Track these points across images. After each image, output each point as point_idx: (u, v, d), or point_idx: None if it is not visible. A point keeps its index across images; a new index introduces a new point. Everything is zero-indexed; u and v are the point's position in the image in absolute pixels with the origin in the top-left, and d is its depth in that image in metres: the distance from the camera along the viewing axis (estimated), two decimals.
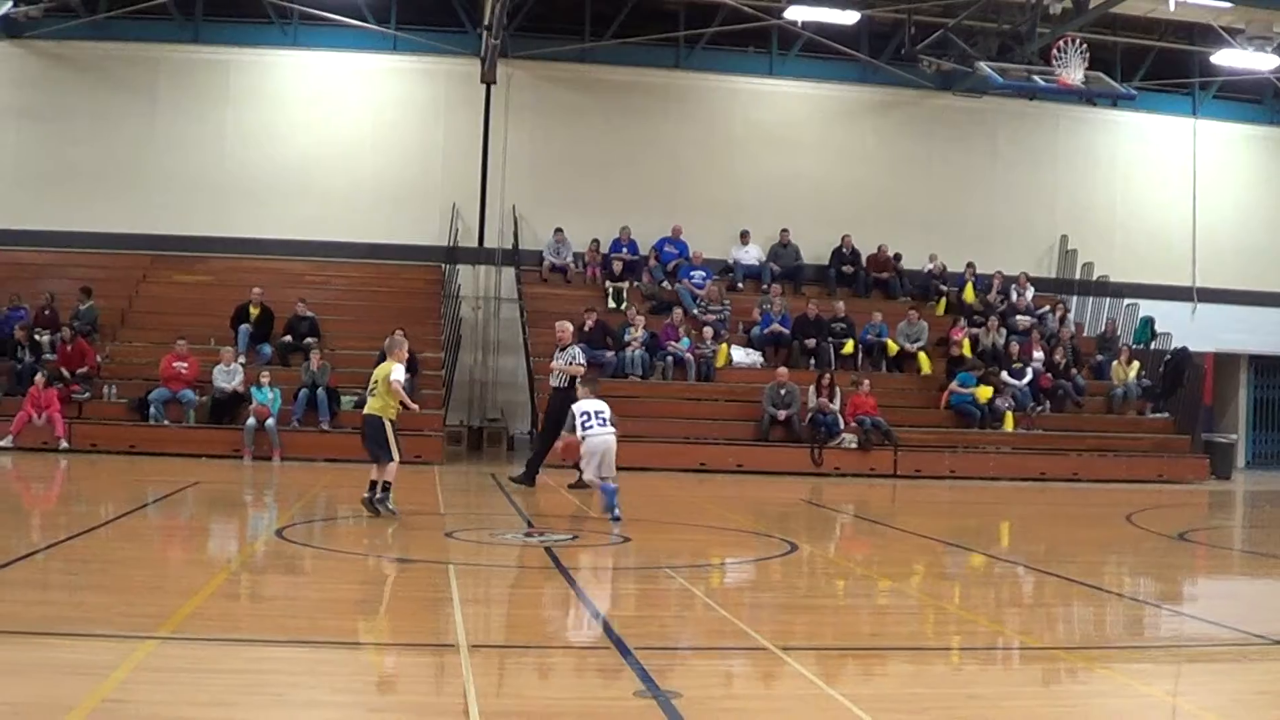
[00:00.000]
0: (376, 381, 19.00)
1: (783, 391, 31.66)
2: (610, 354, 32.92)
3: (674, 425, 31.70)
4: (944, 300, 37.44)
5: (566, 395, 23.23)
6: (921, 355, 34.89)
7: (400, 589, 13.23)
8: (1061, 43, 33.18)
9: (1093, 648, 10.81)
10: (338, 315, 34.89)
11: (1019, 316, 36.50)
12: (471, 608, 11.71)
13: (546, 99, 38.61)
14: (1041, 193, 40.22)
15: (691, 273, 36.56)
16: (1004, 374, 33.64)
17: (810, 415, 31.43)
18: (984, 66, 34.10)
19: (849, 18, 35.58)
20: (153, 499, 21.07)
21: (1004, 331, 35.44)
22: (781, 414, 31.47)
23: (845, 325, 34.95)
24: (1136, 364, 35.26)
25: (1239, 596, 14.73)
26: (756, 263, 38.13)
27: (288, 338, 33.03)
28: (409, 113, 38.52)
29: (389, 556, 15.35)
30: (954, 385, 33.20)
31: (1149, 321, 37.82)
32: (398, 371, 19.00)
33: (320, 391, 30.43)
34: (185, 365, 31.02)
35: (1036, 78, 33.88)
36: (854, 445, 31.21)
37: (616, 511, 18.45)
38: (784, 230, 38.11)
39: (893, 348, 34.90)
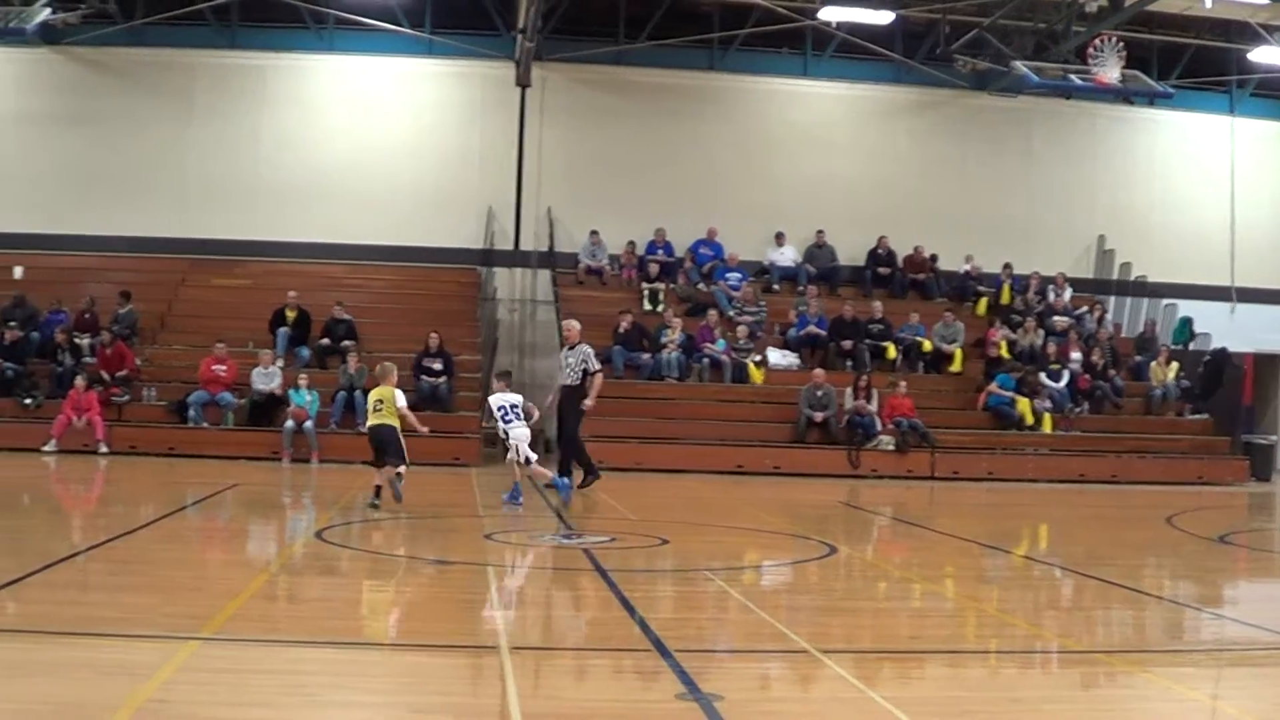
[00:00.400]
0: (383, 401, 20.32)
1: (819, 393, 31.61)
2: (646, 356, 32.93)
3: (710, 427, 31.64)
4: (984, 301, 37.23)
5: (577, 392, 23.37)
6: (957, 354, 34.76)
7: (440, 590, 13.26)
8: (1098, 41, 33.10)
9: (1133, 651, 10.78)
10: (375, 318, 34.94)
11: (1056, 317, 36.30)
12: (512, 610, 11.75)
13: (581, 101, 38.62)
14: (1078, 192, 39.95)
15: (727, 274, 36.52)
16: (1042, 375, 33.49)
17: (847, 417, 31.35)
18: (1020, 66, 34.03)
19: (883, 17, 35.49)
20: (192, 501, 21.16)
21: (1041, 332, 35.27)
22: (818, 416, 31.41)
23: (883, 327, 34.86)
24: (1175, 364, 35.06)
25: None
26: (792, 264, 38.06)
27: (325, 340, 33.12)
28: (445, 116, 38.56)
29: (428, 558, 15.40)
30: (992, 386, 33.06)
31: (1188, 321, 37.71)
32: (401, 397, 20.74)
33: (358, 394, 30.39)
34: (224, 368, 31.12)
35: (1073, 76, 33.80)
36: (891, 447, 31.11)
37: (521, 499, 20.94)
38: (819, 231, 38.04)
39: (926, 346, 34.76)
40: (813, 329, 34.61)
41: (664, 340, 33.18)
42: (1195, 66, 39.65)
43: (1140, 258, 39.05)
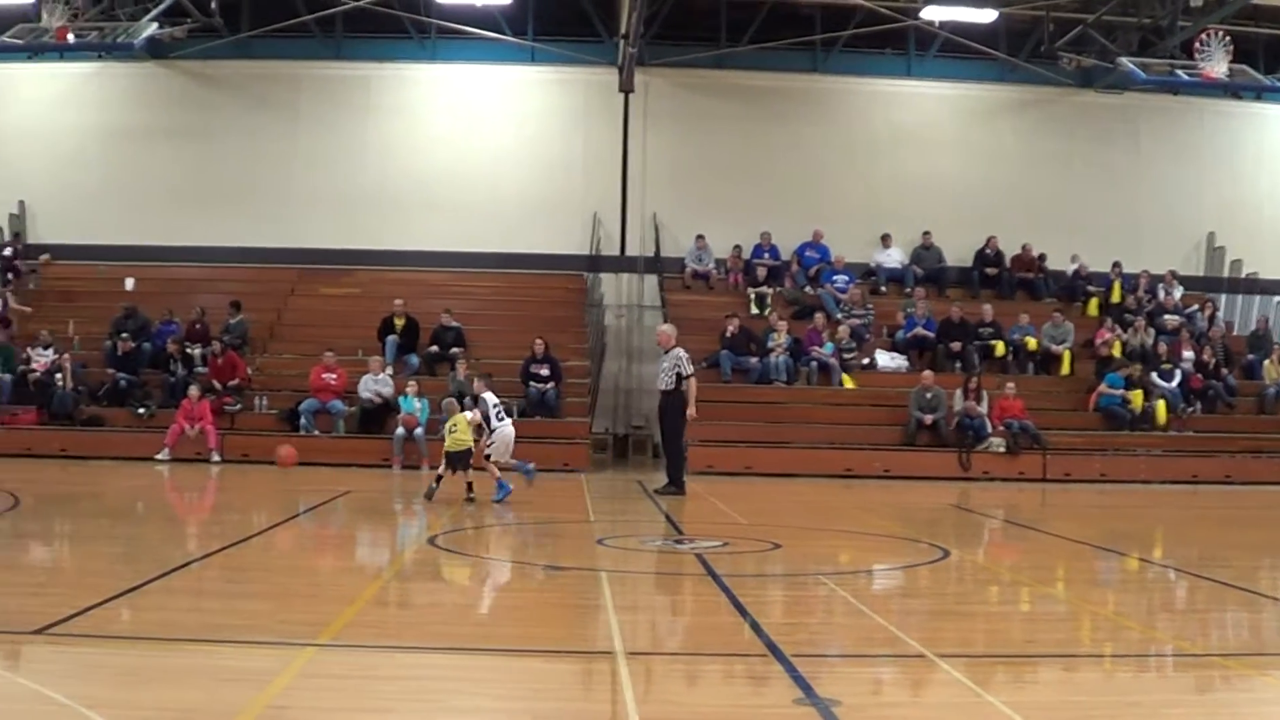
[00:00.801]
0: (456, 425, 22.24)
1: (929, 395, 31.48)
2: (754, 360, 32.91)
3: (819, 431, 31.58)
4: (1094, 301, 36.90)
5: (670, 397, 23.41)
6: (1065, 355, 34.50)
7: (554, 596, 13.29)
8: (1204, 35, 32.84)
9: (1251, 654, 10.62)
10: (482, 325, 35.11)
11: (1167, 316, 35.97)
12: (626, 614, 11.76)
13: (684, 106, 38.69)
14: (1187, 189, 39.54)
15: (834, 277, 36.46)
16: (1154, 375, 33.19)
17: (957, 419, 31.21)
18: (1125, 62, 33.79)
19: (986, 16, 35.36)
20: (305, 508, 21.32)
21: (1152, 332, 34.96)
22: (928, 418, 31.28)
23: (994, 329, 34.65)
24: None
25: None
26: (899, 266, 37.97)
27: (434, 348, 33.31)
28: (548, 123, 38.72)
29: (541, 563, 15.46)
30: (1102, 387, 32.81)
31: None
32: (471, 415, 22.83)
33: (467, 400, 30.61)
34: (334, 376, 31.37)
35: (1179, 72, 33.54)
36: (1002, 449, 30.93)
37: (514, 486, 22.09)
38: (926, 232, 37.93)
39: (1032, 344, 34.49)
40: (920, 331, 34.50)
41: (771, 344, 33.13)
42: None
43: (1250, 254, 38.72)
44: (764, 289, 36.43)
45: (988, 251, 37.83)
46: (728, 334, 33.12)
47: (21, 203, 37.94)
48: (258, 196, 37.60)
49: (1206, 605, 13.51)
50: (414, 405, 30.30)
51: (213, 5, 34.26)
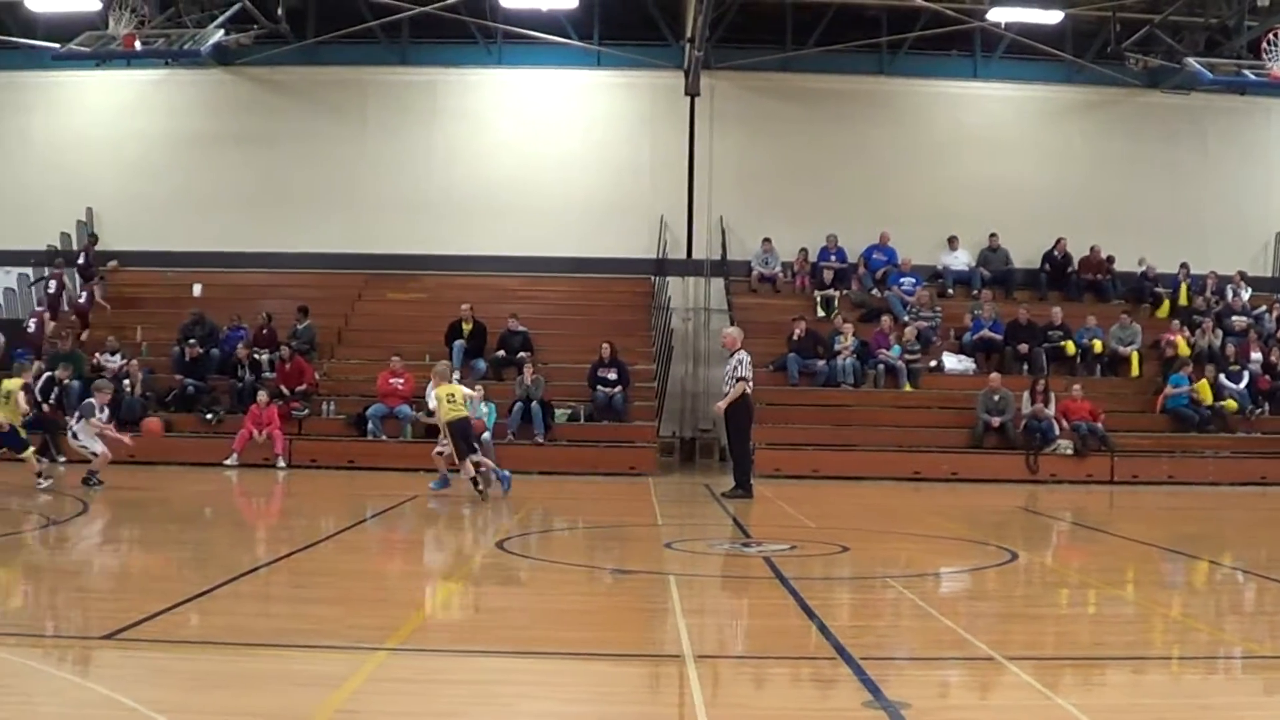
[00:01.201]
0: (454, 395, 23.45)
1: (996, 398, 31.36)
2: (821, 363, 32.87)
3: (886, 433, 31.54)
4: (1166, 304, 36.66)
5: (739, 401, 23.39)
6: (1133, 357, 34.30)
7: (622, 599, 13.30)
8: (1271, 35, 32.57)
9: None
10: (549, 329, 35.20)
11: (1235, 317, 35.73)
12: (694, 618, 11.75)
13: (750, 109, 38.65)
14: (1254, 189, 39.21)
15: (901, 279, 36.37)
16: (1221, 376, 32.96)
17: (1025, 421, 31.07)
18: (1192, 62, 33.58)
19: (1052, 17, 35.21)
20: (373, 513, 21.40)
21: (1220, 333, 34.72)
22: (995, 421, 31.16)
23: (1062, 331, 34.46)
24: None
25: None
26: (966, 268, 37.84)
27: (501, 352, 33.36)
28: (614, 127, 38.77)
29: (609, 567, 15.47)
30: (1169, 388, 32.61)
31: None
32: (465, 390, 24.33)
33: (535, 405, 30.71)
34: (401, 381, 31.47)
35: (1246, 72, 33.29)
36: (1070, 451, 30.79)
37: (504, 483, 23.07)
38: (993, 234, 37.78)
39: (1099, 346, 34.30)
40: (987, 333, 34.38)
41: (838, 347, 33.08)
42: None
43: None
44: (830, 292, 36.40)
45: (1055, 253, 37.63)
46: (794, 337, 33.10)
47: (89, 210, 38.23)
48: (324, 202, 37.80)
49: (1275, 607, 13.43)
50: (482, 410, 30.36)
51: (279, 12, 34.42)
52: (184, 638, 10.41)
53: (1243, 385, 32.97)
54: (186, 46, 33.14)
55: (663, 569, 15.06)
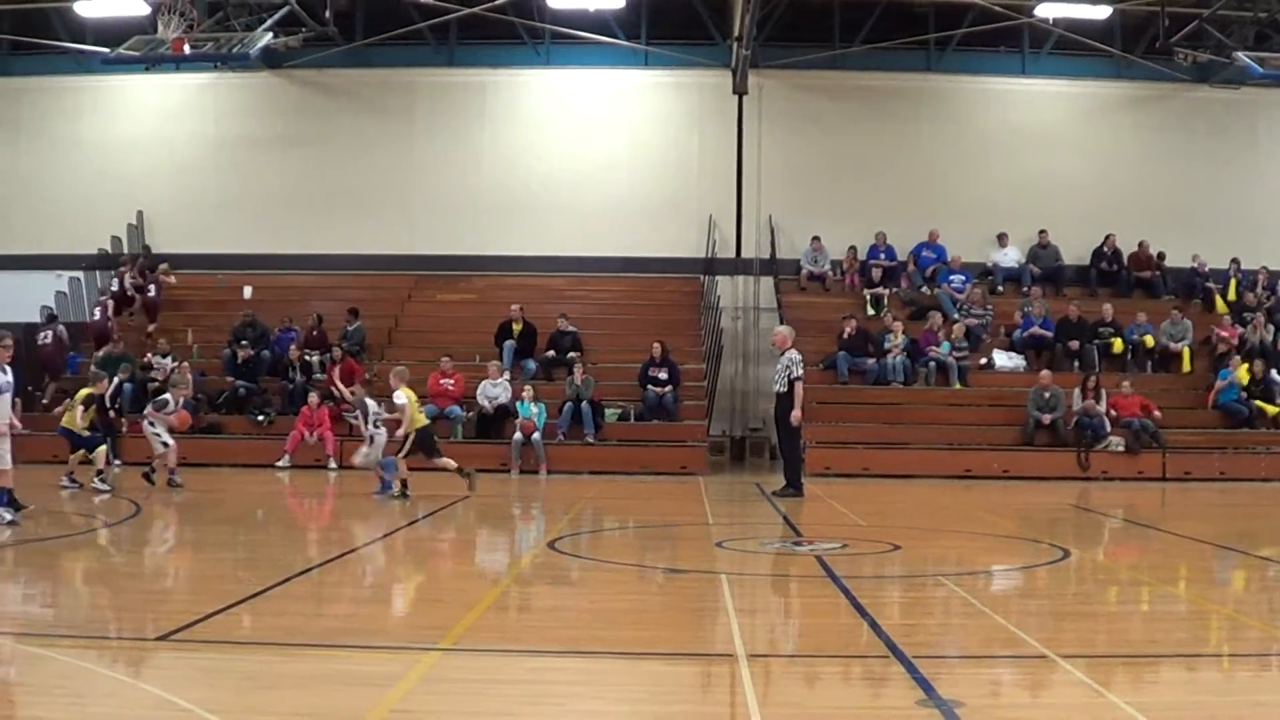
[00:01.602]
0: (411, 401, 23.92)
1: (1047, 395, 31.24)
2: (871, 361, 32.81)
3: (937, 431, 31.44)
4: (1218, 300, 36.42)
5: (784, 400, 23.36)
6: (1185, 353, 34.13)
7: (674, 599, 13.30)
8: None
9: None
10: (599, 329, 35.26)
11: None
12: (747, 617, 11.77)
13: (798, 107, 38.59)
14: None
15: (950, 277, 36.25)
16: (1273, 372, 32.75)
17: (1076, 419, 30.95)
18: (1242, 56, 33.41)
19: (1101, 12, 35.09)
20: (424, 514, 21.41)
21: (1271, 328, 34.52)
22: (1046, 418, 31.03)
23: (1112, 328, 34.30)
24: None
25: None
26: (1016, 265, 37.68)
27: (551, 353, 33.40)
28: (663, 126, 38.77)
29: (661, 566, 15.49)
30: (1219, 384, 32.45)
31: None
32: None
33: (584, 405, 30.75)
34: (451, 382, 31.54)
35: None
36: (1121, 448, 30.66)
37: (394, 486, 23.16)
38: (1042, 231, 37.60)
39: (1149, 341, 34.13)
40: (1038, 330, 34.23)
41: (888, 345, 33.01)
42: None
43: None
44: (880, 290, 36.31)
45: (1105, 249, 37.46)
46: (844, 335, 33.05)
47: (140, 213, 38.41)
48: (374, 203, 37.91)
49: None
50: (531, 410, 30.42)
51: (327, 14, 34.46)
52: (237, 639, 10.48)
53: None
54: (235, 50, 33.22)
55: (714, 568, 15.07)
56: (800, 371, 23.70)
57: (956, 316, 34.46)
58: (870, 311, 35.57)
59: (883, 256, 37.19)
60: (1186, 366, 34.07)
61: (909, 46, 38.54)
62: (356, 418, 24.94)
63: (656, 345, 31.99)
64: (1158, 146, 38.81)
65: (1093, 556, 17.25)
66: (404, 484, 23.03)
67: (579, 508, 22.26)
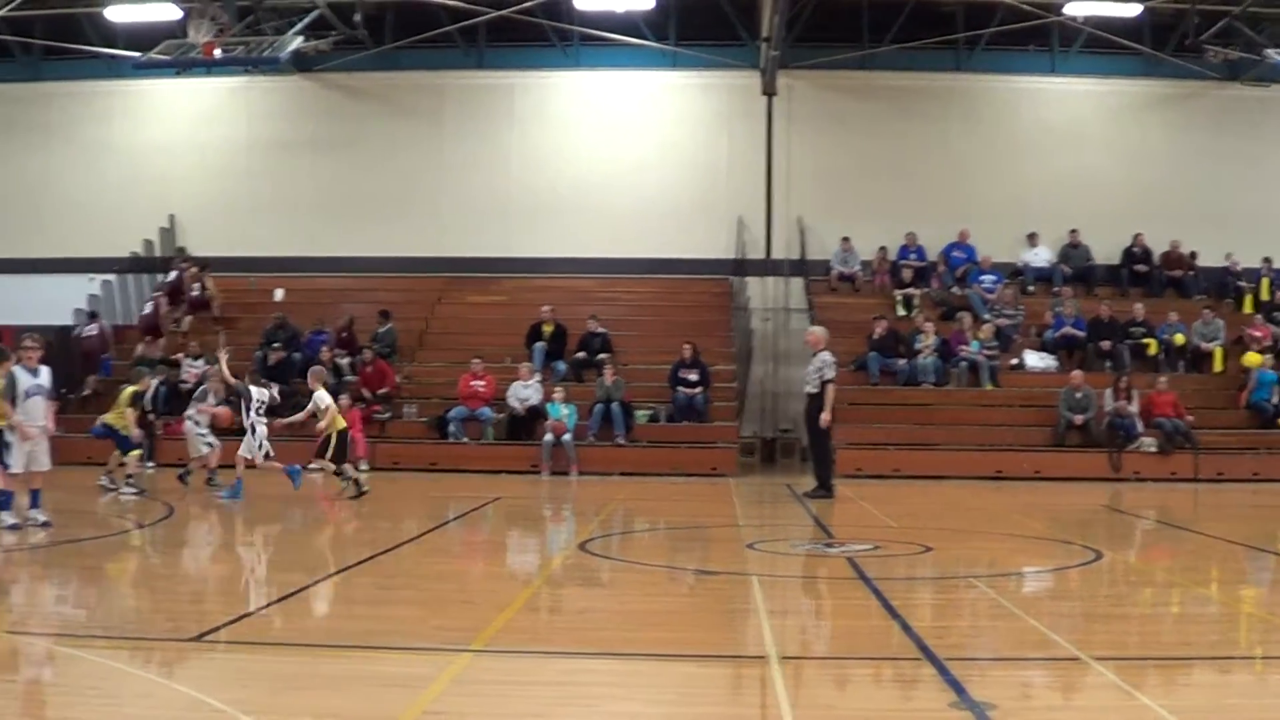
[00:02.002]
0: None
1: (1079, 395, 31.16)
2: (902, 361, 32.76)
3: (968, 432, 31.37)
4: (1248, 299, 36.30)
5: (816, 401, 23.32)
6: (1217, 353, 34.03)
7: (706, 600, 13.33)
8: None
9: None
10: (629, 331, 35.27)
11: None
12: (778, 619, 11.78)
13: (827, 108, 38.57)
14: None
15: (981, 277, 36.17)
16: None
17: (1108, 419, 30.86)
18: (1272, 54, 33.39)
19: (1130, 10, 34.99)
20: (455, 515, 21.48)
21: None
22: (1078, 418, 30.95)
23: (1144, 328, 34.19)
24: None
25: None
26: (1046, 264, 37.57)
27: (581, 354, 33.44)
28: (691, 128, 38.78)
29: (691, 568, 15.50)
30: (1251, 382, 32.35)
31: None
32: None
33: (615, 406, 30.76)
34: (482, 384, 31.60)
35: None
36: (1153, 449, 30.55)
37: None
38: (1073, 231, 37.50)
39: (1179, 339, 34.00)
40: (1069, 330, 34.12)
41: (919, 345, 32.96)
42: None
43: None
44: (911, 290, 36.24)
45: (1136, 249, 37.35)
46: (875, 336, 33.01)
47: (172, 217, 38.56)
48: (404, 206, 37.99)
49: None
50: (562, 411, 30.46)
51: (356, 18, 34.55)
52: (270, 639, 10.53)
53: None
54: (265, 54, 33.37)
55: (745, 570, 15.09)
56: (833, 374, 23.67)
57: (987, 317, 34.38)
58: (901, 312, 35.53)
59: (913, 257, 37.12)
60: (1219, 366, 33.95)
61: (938, 46, 38.48)
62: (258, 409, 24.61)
63: (687, 346, 31.99)
64: (1188, 145, 38.66)
65: (1125, 558, 17.21)
66: (357, 483, 23.36)
67: (610, 509, 22.29)
